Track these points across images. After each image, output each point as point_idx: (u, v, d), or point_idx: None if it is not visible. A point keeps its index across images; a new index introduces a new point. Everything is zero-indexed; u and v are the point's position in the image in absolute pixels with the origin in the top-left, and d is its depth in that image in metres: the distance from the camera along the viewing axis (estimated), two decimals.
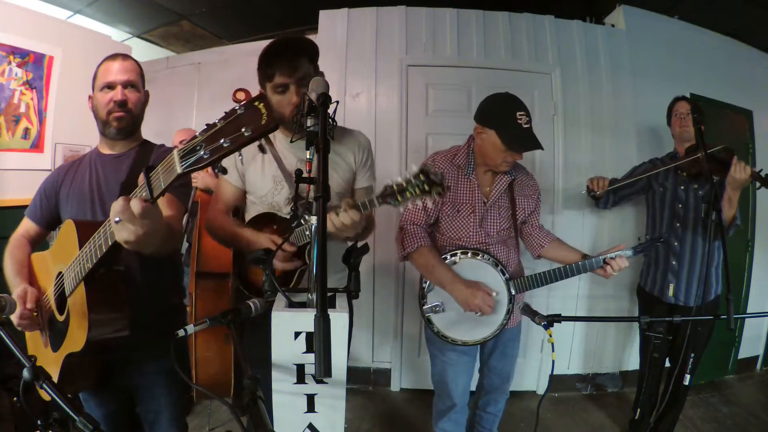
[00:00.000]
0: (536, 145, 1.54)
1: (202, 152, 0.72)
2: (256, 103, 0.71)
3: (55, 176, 1.39)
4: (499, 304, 1.61)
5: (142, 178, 0.84)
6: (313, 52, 1.33)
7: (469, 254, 1.63)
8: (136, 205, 0.84)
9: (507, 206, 1.71)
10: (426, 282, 1.65)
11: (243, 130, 0.70)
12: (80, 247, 1.05)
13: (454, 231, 1.68)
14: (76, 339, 1.08)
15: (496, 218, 1.69)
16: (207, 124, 0.73)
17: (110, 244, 0.94)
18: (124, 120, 1.31)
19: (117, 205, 0.85)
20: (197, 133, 0.74)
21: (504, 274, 1.63)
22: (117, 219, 0.85)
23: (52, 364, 1.14)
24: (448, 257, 1.64)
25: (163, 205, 1.18)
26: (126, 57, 1.35)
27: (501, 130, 1.54)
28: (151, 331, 1.18)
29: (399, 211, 2.88)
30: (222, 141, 0.70)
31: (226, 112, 0.73)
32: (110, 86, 1.30)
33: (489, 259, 1.63)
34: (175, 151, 0.75)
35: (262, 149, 1.35)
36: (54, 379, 1.08)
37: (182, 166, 0.74)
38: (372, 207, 1.14)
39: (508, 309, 1.63)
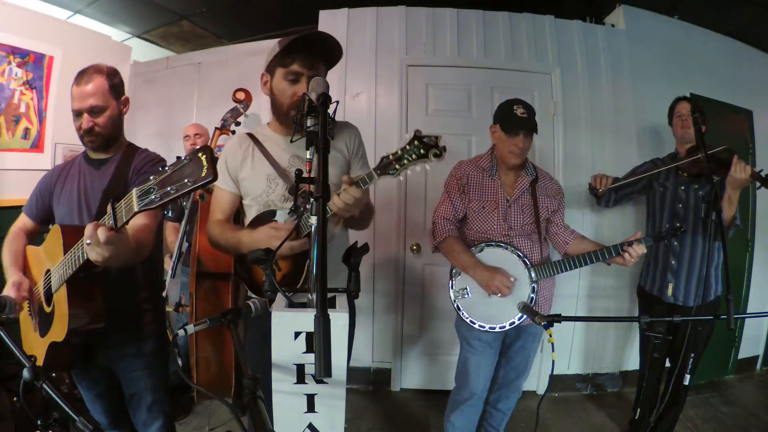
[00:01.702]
0: (529, 127, 1.74)
1: (153, 195, 0.82)
2: (200, 155, 0.77)
3: (49, 177, 1.46)
4: (521, 288, 1.73)
5: (109, 209, 0.94)
6: (336, 59, 1.35)
7: (493, 246, 1.79)
8: (101, 233, 0.95)
9: (529, 204, 1.85)
10: (454, 269, 1.81)
11: (186, 180, 0.78)
12: (65, 252, 1.15)
13: (480, 224, 1.84)
14: (58, 330, 1.19)
15: (519, 214, 1.84)
16: (161, 167, 0.82)
17: (85, 258, 1.05)
18: (95, 142, 1.38)
19: (87, 230, 0.97)
20: (151, 177, 0.83)
21: (526, 264, 1.75)
22: (88, 242, 0.97)
23: (40, 347, 1.26)
24: (475, 249, 1.78)
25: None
26: (92, 76, 1.33)
27: (502, 122, 1.79)
28: (126, 318, 1.36)
29: (399, 213, 2.86)
30: (169, 188, 0.79)
31: (177, 157, 0.80)
32: (78, 113, 1.35)
33: (512, 250, 1.77)
34: (134, 190, 0.86)
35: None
36: (40, 361, 1.21)
37: (139, 205, 0.84)
38: (372, 180, 1.15)
39: (530, 298, 1.74)
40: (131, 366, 1.43)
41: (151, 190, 0.82)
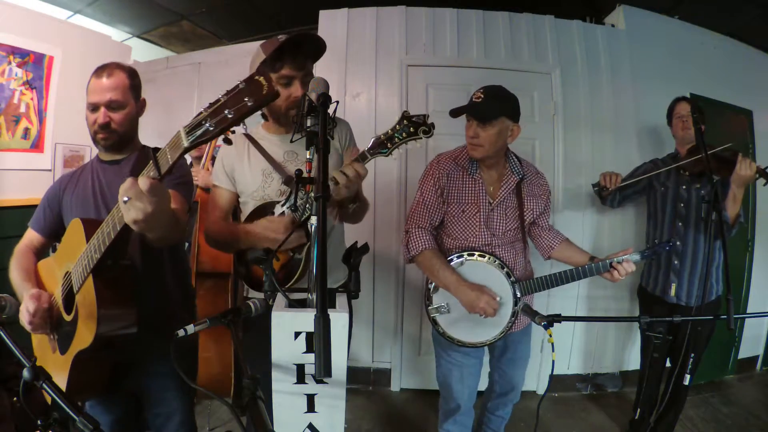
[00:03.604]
0: (472, 111, 1.56)
1: (207, 125, 0.75)
2: (257, 77, 0.74)
3: (57, 186, 1.39)
4: (504, 306, 1.60)
5: (151, 162, 0.86)
6: (321, 53, 1.37)
7: (476, 256, 1.62)
8: (144, 182, 0.84)
9: (514, 207, 1.68)
10: (431, 283, 1.65)
11: (246, 100, 0.73)
12: (87, 242, 1.06)
13: (460, 231, 1.67)
14: (84, 336, 1.07)
15: (503, 219, 1.67)
16: (210, 103, 0.75)
17: (119, 229, 0.94)
18: (109, 140, 1.30)
19: (125, 185, 0.85)
20: (202, 109, 0.75)
21: (510, 277, 1.61)
22: (125, 198, 0.86)
23: (61, 368, 1.14)
24: (455, 259, 1.62)
25: None
26: (113, 71, 1.28)
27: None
28: (157, 331, 1.14)
29: (399, 213, 2.86)
30: (226, 112, 0.73)
31: (228, 90, 0.76)
32: (94, 107, 1.28)
33: (495, 262, 1.62)
34: (181, 129, 0.77)
35: (249, 137, 1.37)
36: (63, 384, 1.08)
37: (189, 140, 0.76)
38: (365, 160, 1.19)
39: (513, 311, 1.61)
40: (162, 385, 1.32)
41: (204, 121, 0.75)
